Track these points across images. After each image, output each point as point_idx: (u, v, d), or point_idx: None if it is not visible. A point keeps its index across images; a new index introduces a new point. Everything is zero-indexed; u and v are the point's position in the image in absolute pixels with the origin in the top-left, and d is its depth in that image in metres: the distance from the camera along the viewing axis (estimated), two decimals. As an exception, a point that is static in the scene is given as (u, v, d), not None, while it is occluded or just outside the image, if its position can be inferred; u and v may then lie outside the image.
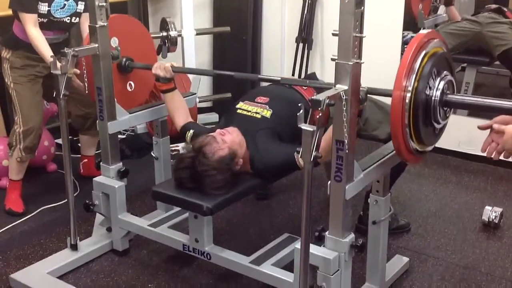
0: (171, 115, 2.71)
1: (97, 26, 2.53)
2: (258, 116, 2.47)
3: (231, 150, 2.32)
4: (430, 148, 2.16)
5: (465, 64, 4.30)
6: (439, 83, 1.99)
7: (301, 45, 4.21)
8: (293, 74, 4.17)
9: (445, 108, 2.05)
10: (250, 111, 2.50)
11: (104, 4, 2.52)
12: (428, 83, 1.96)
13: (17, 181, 3.16)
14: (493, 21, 4.04)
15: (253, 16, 4.41)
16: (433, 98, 1.98)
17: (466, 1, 4.63)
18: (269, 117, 2.45)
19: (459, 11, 4.37)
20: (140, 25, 3.01)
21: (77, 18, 3.00)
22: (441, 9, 4.42)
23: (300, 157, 1.80)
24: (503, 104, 1.93)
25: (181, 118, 2.67)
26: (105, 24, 2.55)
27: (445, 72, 2.04)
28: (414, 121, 1.95)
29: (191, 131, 2.57)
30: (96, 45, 2.55)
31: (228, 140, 2.34)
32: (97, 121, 2.68)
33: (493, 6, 4.17)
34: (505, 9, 4.13)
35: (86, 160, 3.50)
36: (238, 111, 2.53)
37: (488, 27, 4.03)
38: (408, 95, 1.91)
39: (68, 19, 2.98)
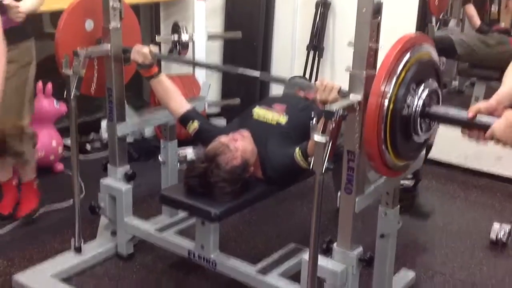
0: (164, 103, 2.58)
1: (110, 27, 2.52)
2: (274, 123, 2.43)
3: (243, 159, 2.28)
4: (411, 162, 2.03)
5: (474, 79, 4.30)
6: (422, 92, 1.83)
7: (312, 53, 4.19)
8: (302, 83, 4.16)
9: (427, 120, 1.89)
10: (265, 117, 2.46)
11: (118, 5, 2.51)
12: (410, 91, 1.79)
13: (4, 182, 3.06)
14: (501, 43, 4.03)
15: (265, 23, 4.40)
16: (414, 108, 1.81)
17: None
18: (284, 123, 2.42)
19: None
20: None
21: None
22: (452, 22, 4.41)
23: (312, 168, 1.79)
24: (491, 122, 1.72)
25: (177, 103, 2.54)
26: (118, 25, 2.54)
27: (430, 80, 1.88)
28: (391, 133, 1.80)
29: (196, 122, 2.47)
30: (109, 46, 2.54)
31: (241, 147, 2.30)
32: (106, 122, 2.68)
33: (502, 26, 4.16)
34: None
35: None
36: (254, 115, 2.49)
37: (497, 48, 4.01)
38: (386, 102, 1.75)
39: None
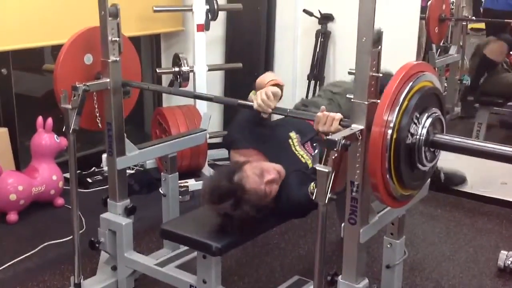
0: None
1: (109, 61, 2.51)
2: (303, 160, 2.43)
3: (271, 201, 2.27)
4: (415, 192, 1.98)
5: (477, 105, 4.30)
6: (425, 120, 1.80)
7: (312, 82, 4.19)
8: (304, 112, 4.15)
9: (432, 149, 1.85)
10: (298, 152, 2.46)
11: (117, 39, 2.50)
12: (413, 120, 1.76)
13: None
14: None
15: (266, 53, 4.42)
16: (418, 137, 1.79)
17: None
18: (311, 167, 2.39)
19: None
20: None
21: None
22: (453, 49, 4.41)
23: (314, 198, 1.75)
24: (496, 149, 1.72)
25: None
26: (118, 59, 2.53)
27: (433, 109, 1.85)
28: (395, 163, 1.76)
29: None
30: (108, 80, 2.53)
31: (274, 192, 2.27)
32: (106, 156, 2.65)
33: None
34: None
35: None
36: (291, 145, 2.47)
37: None
38: (390, 132, 1.72)
39: None
